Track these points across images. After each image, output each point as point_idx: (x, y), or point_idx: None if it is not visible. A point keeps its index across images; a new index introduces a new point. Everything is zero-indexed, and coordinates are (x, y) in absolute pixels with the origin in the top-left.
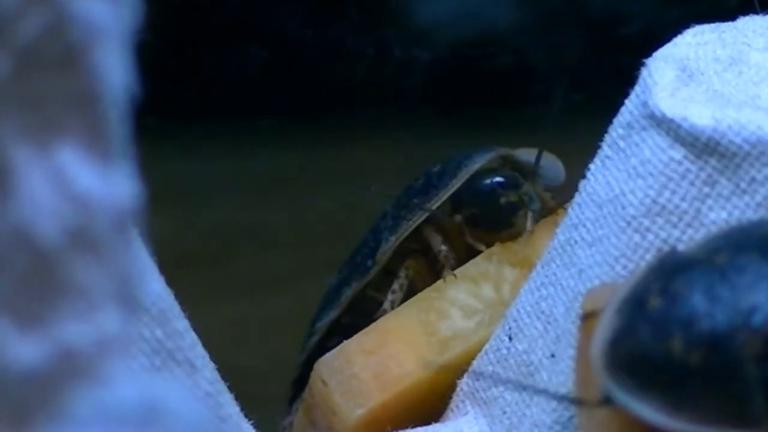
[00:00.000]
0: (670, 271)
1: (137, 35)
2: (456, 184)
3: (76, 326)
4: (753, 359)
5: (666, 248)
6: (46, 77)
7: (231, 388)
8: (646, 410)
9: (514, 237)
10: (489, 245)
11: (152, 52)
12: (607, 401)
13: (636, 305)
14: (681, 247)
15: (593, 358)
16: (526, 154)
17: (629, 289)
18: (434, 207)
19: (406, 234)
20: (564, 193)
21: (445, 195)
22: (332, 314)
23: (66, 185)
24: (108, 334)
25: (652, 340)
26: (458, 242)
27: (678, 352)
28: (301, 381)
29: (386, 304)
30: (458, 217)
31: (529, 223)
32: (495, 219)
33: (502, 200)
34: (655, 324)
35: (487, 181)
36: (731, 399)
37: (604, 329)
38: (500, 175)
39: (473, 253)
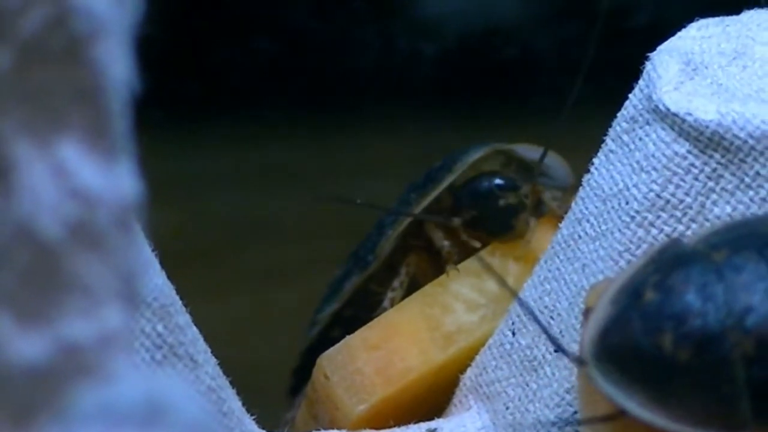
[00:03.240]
0: (669, 264)
1: (141, 28)
2: (451, 178)
3: (79, 322)
4: (742, 360)
5: None
6: (48, 71)
7: (234, 383)
8: (630, 404)
9: (517, 239)
10: (485, 244)
11: (157, 45)
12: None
13: (631, 296)
14: (684, 238)
15: (583, 345)
16: (526, 150)
17: (626, 279)
18: (429, 201)
19: (401, 228)
20: (572, 194)
21: (440, 188)
22: (333, 306)
23: (68, 180)
24: (111, 330)
25: (643, 333)
26: (459, 241)
27: (667, 348)
28: (301, 371)
29: (386, 302)
30: (457, 221)
31: (530, 231)
32: (495, 222)
33: (501, 202)
34: (648, 317)
35: (486, 183)
36: (717, 400)
37: (597, 317)
38: (499, 177)
39: (473, 249)
